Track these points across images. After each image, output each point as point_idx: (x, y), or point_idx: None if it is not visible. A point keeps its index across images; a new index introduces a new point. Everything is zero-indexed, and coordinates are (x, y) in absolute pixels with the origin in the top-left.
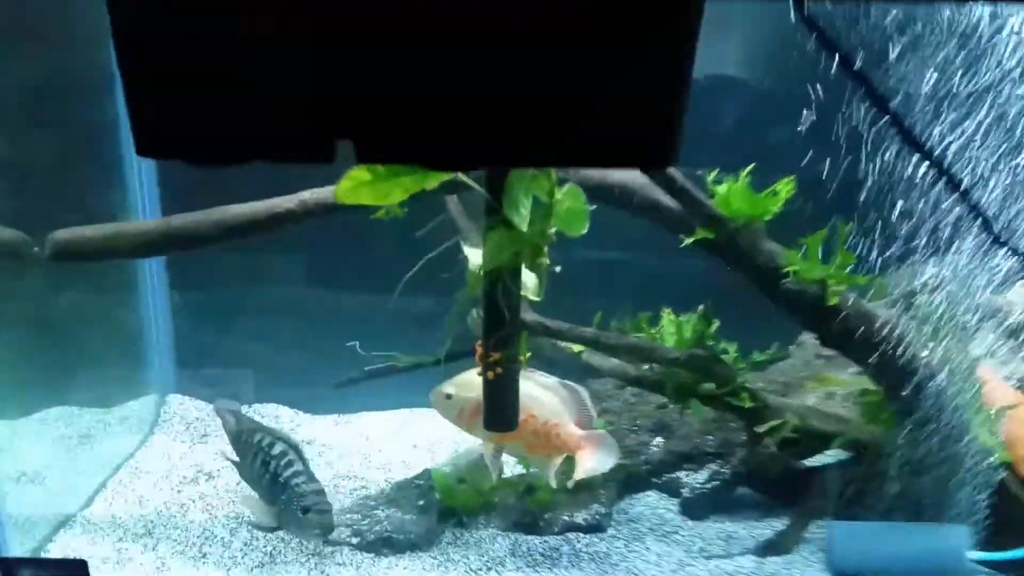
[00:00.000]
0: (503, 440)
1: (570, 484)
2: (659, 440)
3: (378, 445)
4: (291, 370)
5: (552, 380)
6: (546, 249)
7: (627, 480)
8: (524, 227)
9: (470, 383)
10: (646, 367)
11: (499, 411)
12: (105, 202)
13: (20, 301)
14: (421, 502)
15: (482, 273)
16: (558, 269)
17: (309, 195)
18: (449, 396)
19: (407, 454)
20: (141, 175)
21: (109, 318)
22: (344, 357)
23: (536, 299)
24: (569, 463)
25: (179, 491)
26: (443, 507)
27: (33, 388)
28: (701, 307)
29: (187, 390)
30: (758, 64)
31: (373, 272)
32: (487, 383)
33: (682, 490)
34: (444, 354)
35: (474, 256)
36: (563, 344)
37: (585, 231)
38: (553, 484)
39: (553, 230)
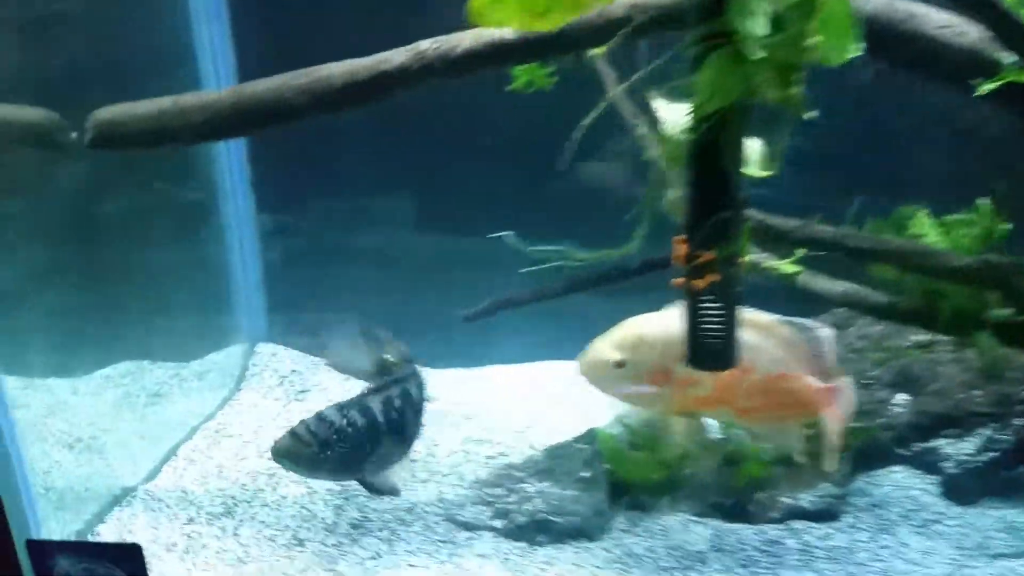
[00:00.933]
0: (706, 405)
1: (829, 464)
2: (903, 397)
3: (515, 403)
4: (402, 318)
5: (771, 318)
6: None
7: (863, 451)
8: (761, 41)
9: (643, 339)
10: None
11: (712, 341)
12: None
13: (69, 225)
14: (586, 473)
15: (687, 131)
16: (814, 115)
17: (429, 44)
18: (621, 364)
19: (553, 414)
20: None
21: (184, 249)
22: (468, 299)
23: (765, 174)
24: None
25: (270, 460)
26: (615, 481)
27: (96, 339)
28: (986, 199)
29: (281, 339)
30: None
31: (496, 216)
32: (693, 300)
33: (942, 464)
34: (635, 263)
35: (671, 112)
36: (768, 264)
37: (856, 51)
38: (800, 458)
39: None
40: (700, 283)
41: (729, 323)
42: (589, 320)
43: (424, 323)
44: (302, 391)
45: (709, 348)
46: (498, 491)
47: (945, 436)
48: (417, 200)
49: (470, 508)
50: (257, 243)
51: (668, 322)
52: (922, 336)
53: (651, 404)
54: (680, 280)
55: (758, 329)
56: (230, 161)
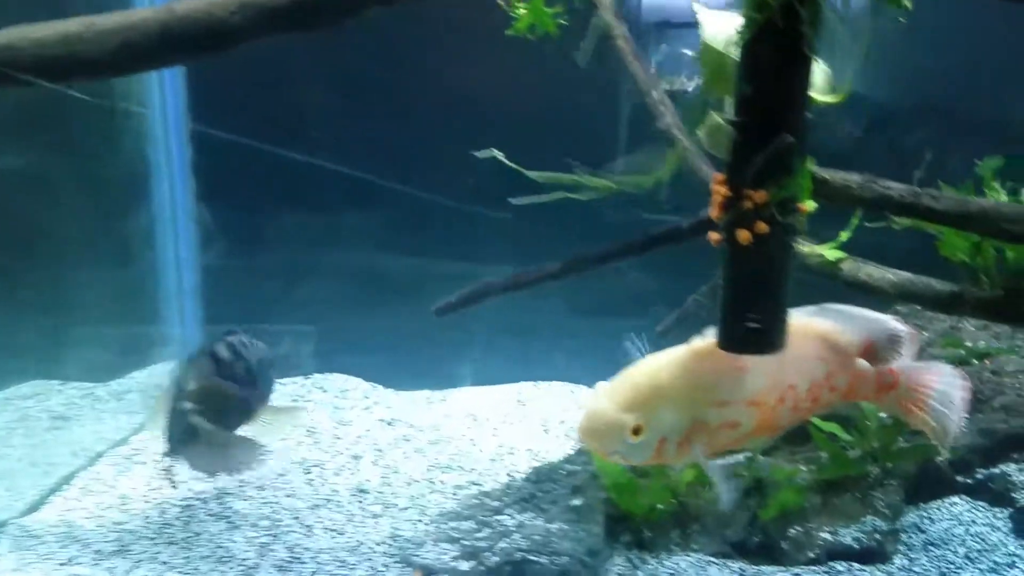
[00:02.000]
0: (746, 439)
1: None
2: None
3: (490, 427)
4: (364, 334)
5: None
6: None
7: (917, 477)
8: None
9: (661, 392)
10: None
11: (756, 314)
12: None
13: None
14: (577, 501)
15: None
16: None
17: None
18: (637, 429)
19: (535, 440)
20: None
21: (104, 244)
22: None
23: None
24: None
25: (188, 488)
26: (613, 513)
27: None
28: None
29: None
30: None
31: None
32: (734, 255)
33: (1014, 494)
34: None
35: (714, 23)
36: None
37: None
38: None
39: None
40: (745, 235)
41: (778, 291)
42: (572, 335)
43: (390, 340)
44: None
45: (752, 325)
46: (467, 525)
47: (1016, 460)
48: (387, 214)
49: (431, 547)
50: (195, 240)
51: (687, 362)
52: (981, 340)
53: (683, 460)
54: (717, 236)
55: (797, 334)
56: (167, 135)
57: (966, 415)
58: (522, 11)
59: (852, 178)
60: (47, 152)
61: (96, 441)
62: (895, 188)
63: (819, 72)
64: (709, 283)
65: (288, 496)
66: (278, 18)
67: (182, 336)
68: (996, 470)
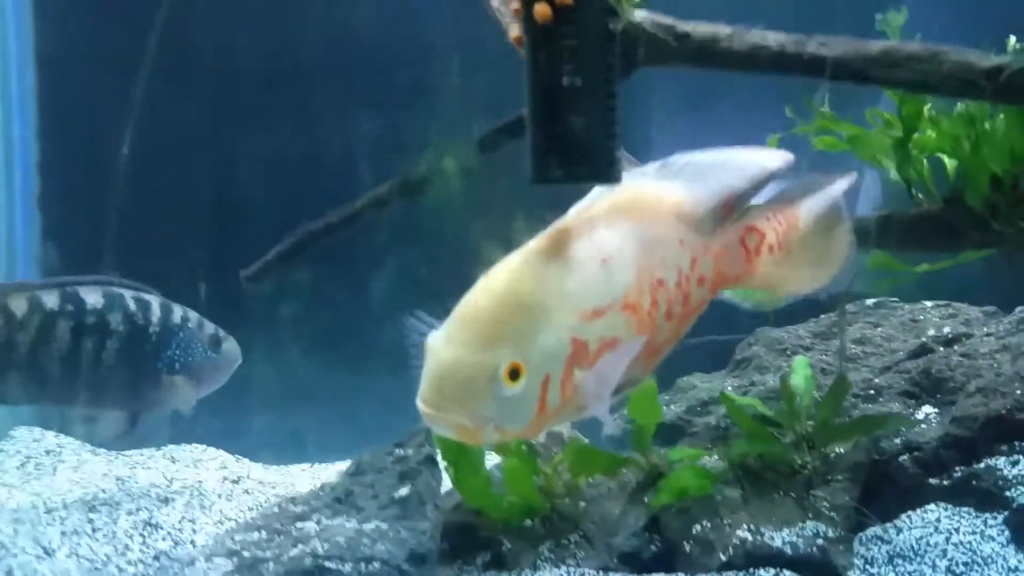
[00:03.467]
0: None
1: None
2: (931, 410)
3: None
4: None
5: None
6: None
7: (874, 481)
8: None
9: (524, 305)
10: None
11: (577, 120)
12: None
13: None
14: (403, 491)
15: None
16: None
17: None
18: (515, 371)
19: None
20: None
21: None
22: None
23: None
24: None
25: None
26: (461, 521)
27: None
28: None
29: (47, 420)
30: None
31: None
32: (534, 46)
33: (1007, 492)
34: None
35: None
36: None
37: None
38: None
39: None
40: (544, 11)
41: (602, 87)
42: None
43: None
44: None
45: (576, 139)
46: (255, 536)
47: (1005, 452)
48: None
49: (201, 564)
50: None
51: (536, 265)
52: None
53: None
54: (516, 34)
55: (648, 209)
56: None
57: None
58: None
59: (721, 29)
60: None
61: None
62: (772, 37)
63: None
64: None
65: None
66: None
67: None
68: (980, 465)
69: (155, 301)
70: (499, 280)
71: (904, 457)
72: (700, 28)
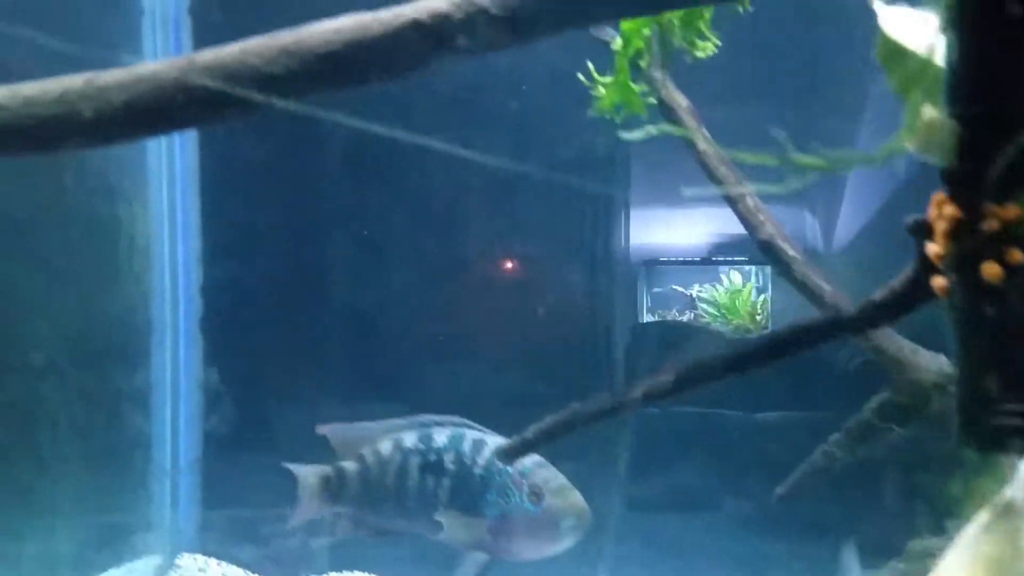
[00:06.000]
0: None
1: None
2: None
3: None
4: None
5: None
6: None
7: None
8: None
9: None
10: None
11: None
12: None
13: None
14: None
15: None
16: None
17: None
18: None
19: None
20: None
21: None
22: None
23: None
24: None
25: None
26: None
27: None
28: None
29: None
30: None
31: None
32: (974, 305)
33: None
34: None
35: (896, 19)
36: None
37: None
38: None
39: None
40: (994, 268)
41: None
42: None
43: None
44: None
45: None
46: None
47: None
48: None
49: None
50: (198, 401)
51: None
52: None
53: None
54: (943, 281)
55: None
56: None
57: None
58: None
59: None
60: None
61: None
62: None
63: None
64: (846, 424)
65: None
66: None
67: (172, 523)
68: None
69: (491, 441)
70: None
71: None
72: None
